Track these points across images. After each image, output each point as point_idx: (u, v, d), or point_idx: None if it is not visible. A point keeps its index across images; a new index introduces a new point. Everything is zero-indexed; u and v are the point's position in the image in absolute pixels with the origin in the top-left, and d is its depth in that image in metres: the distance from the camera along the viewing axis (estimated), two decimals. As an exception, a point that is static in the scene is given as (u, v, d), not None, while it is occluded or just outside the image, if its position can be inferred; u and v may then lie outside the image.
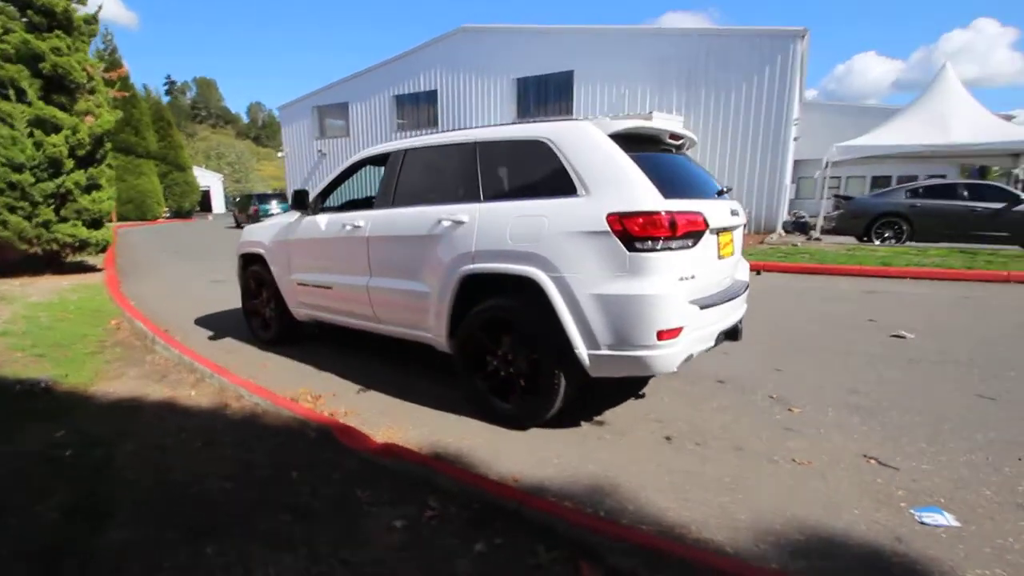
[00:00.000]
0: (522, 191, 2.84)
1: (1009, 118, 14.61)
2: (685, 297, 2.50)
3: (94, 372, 3.75)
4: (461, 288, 2.95)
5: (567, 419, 2.89)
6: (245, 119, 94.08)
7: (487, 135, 3.07)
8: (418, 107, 22.44)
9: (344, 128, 24.43)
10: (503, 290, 2.86)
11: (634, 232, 2.41)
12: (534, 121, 2.97)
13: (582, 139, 2.68)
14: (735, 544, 1.89)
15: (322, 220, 3.90)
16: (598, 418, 2.99)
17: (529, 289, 2.69)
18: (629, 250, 2.43)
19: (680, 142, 3.14)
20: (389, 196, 3.49)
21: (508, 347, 2.85)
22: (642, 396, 3.32)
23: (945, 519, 2.03)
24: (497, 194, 2.91)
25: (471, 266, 2.87)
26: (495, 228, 2.80)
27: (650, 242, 2.41)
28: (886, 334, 4.64)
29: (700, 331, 2.61)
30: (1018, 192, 10.02)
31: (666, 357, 2.48)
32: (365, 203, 4.50)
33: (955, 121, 11.45)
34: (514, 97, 20.18)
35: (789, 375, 3.67)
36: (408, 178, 3.46)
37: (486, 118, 20.67)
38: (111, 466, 2.42)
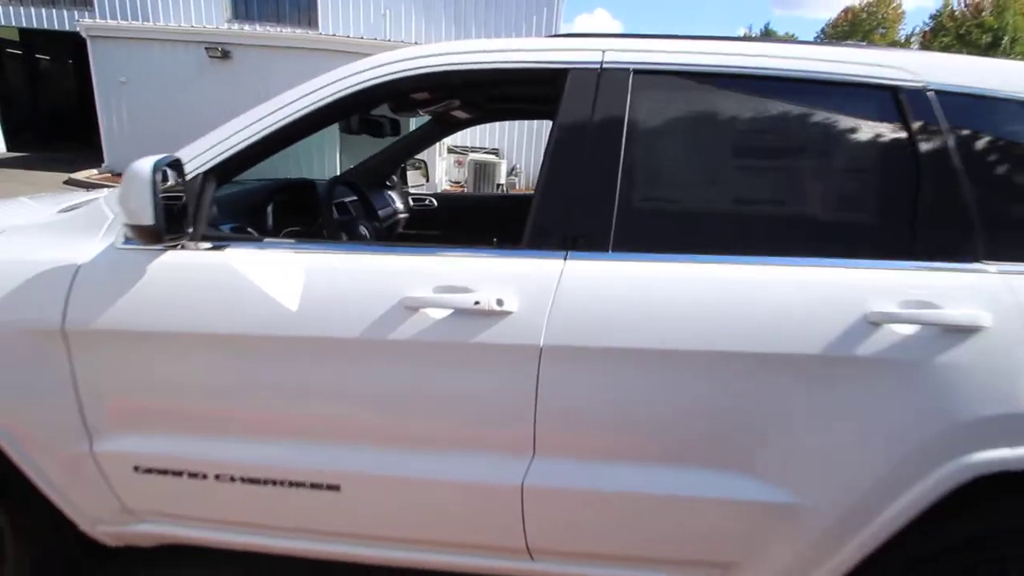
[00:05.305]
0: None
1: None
2: None
3: None
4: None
5: None
6: None
7: (952, 66, 1.24)
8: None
9: None
10: None
11: None
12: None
13: None
14: None
15: (304, 269, 1.23)
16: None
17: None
18: None
19: None
20: (604, 214, 1.19)
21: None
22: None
23: None
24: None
25: None
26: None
27: None
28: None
29: None
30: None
31: None
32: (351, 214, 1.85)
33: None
34: (226, -6, 14.71)
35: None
36: (674, 162, 1.30)
37: (174, 14, 14.67)
38: None
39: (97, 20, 13.18)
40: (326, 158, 9.34)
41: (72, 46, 19.28)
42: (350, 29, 15.42)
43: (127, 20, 14.28)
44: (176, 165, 1.18)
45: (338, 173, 3.10)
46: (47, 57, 20.39)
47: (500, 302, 1.16)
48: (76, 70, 21.82)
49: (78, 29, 12.64)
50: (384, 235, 2.31)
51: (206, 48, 12.10)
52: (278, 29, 14.70)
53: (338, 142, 9.50)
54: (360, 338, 1.18)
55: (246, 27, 14.28)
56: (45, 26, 15.72)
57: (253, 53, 12.26)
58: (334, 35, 14.42)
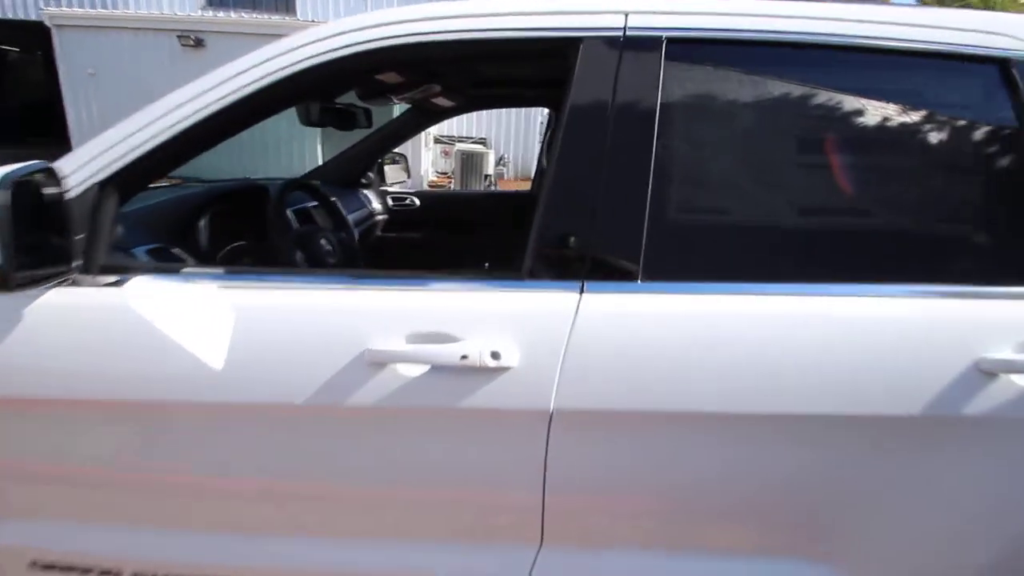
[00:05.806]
0: None
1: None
2: None
3: None
4: None
5: None
6: None
7: None
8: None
9: None
10: None
11: None
12: None
13: None
14: None
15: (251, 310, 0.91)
16: None
17: None
18: None
19: None
20: (631, 233, 0.91)
21: None
22: None
23: None
24: None
25: None
26: None
27: None
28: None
29: None
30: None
31: None
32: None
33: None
34: (198, -25, 14.17)
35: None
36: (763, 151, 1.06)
37: (145, 1, 14.09)
38: None
39: (63, 8, 12.59)
40: (305, 151, 8.93)
41: (40, 36, 18.47)
42: (328, 15, 14.89)
43: (95, 8, 13.67)
44: (49, 175, 0.89)
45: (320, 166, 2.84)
46: (15, 49, 19.53)
47: (495, 355, 0.87)
48: (45, 62, 20.95)
49: (42, 18, 12.06)
50: (354, 249, 1.97)
51: (178, 36, 11.59)
52: (254, 16, 14.18)
53: (318, 133, 9.08)
54: (305, 405, 0.89)
55: (220, 14, 13.74)
56: (9, 15, 14.99)
57: (228, 41, 11.76)
58: (313, 21, 13.91)
